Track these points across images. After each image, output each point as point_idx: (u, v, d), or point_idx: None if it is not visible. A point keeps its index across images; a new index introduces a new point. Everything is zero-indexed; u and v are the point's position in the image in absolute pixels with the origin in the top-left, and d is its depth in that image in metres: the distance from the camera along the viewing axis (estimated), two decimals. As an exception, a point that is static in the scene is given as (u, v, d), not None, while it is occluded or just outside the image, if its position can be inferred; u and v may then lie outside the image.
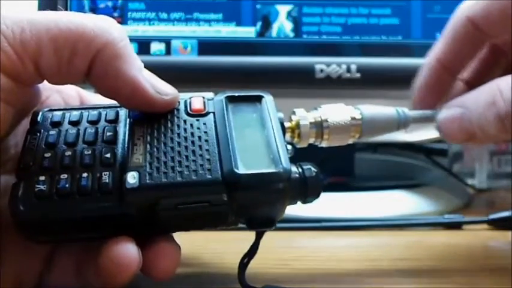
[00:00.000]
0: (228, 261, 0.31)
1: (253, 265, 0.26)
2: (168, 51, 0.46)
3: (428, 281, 0.31)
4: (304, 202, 0.26)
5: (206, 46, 0.46)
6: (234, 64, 0.45)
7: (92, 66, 0.24)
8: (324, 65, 0.45)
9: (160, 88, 0.25)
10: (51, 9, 0.43)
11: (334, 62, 0.45)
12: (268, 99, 0.28)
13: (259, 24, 0.46)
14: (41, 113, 0.26)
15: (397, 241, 0.38)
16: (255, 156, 0.25)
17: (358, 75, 0.45)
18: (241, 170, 0.24)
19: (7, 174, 0.25)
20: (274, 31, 0.47)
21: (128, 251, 0.22)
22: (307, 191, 0.25)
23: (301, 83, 0.46)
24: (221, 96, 0.27)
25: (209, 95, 0.28)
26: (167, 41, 0.46)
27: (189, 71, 0.45)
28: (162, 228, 0.24)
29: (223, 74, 0.45)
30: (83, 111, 0.27)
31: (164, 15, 0.46)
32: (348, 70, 0.45)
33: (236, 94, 0.28)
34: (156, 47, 0.46)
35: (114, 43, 0.24)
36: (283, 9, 0.47)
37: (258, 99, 0.28)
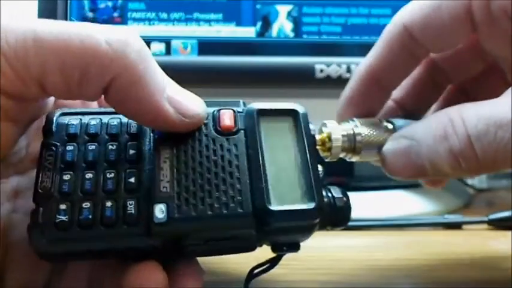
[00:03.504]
0: (233, 268, 0.31)
1: (252, 265, 0.26)
2: (168, 51, 0.46)
3: (428, 281, 0.31)
4: (331, 229, 0.26)
5: (206, 46, 0.46)
6: (234, 64, 0.45)
7: (107, 90, 0.22)
8: (324, 65, 0.45)
9: (185, 111, 0.23)
10: (51, 8, 0.44)
11: (334, 62, 0.45)
12: (302, 115, 0.26)
13: (259, 24, 0.46)
14: (54, 120, 0.24)
15: (397, 241, 0.38)
16: (287, 186, 0.24)
17: (358, 75, 0.45)
18: (274, 205, 0.23)
19: (19, 175, 0.24)
20: (274, 31, 0.47)
21: (157, 277, 0.22)
22: (336, 220, 0.25)
23: (301, 83, 0.45)
24: (252, 108, 0.26)
25: (239, 105, 0.26)
26: (167, 41, 0.46)
27: (189, 71, 0.45)
28: (186, 257, 0.24)
29: (223, 74, 0.45)
30: (101, 117, 0.25)
31: (164, 15, 0.46)
32: (348, 70, 0.45)
33: (268, 108, 0.26)
34: (156, 47, 0.46)
35: (132, 67, 0.21)
36: (283, 9, 0.47)
37: (291, 114, 0.26)
